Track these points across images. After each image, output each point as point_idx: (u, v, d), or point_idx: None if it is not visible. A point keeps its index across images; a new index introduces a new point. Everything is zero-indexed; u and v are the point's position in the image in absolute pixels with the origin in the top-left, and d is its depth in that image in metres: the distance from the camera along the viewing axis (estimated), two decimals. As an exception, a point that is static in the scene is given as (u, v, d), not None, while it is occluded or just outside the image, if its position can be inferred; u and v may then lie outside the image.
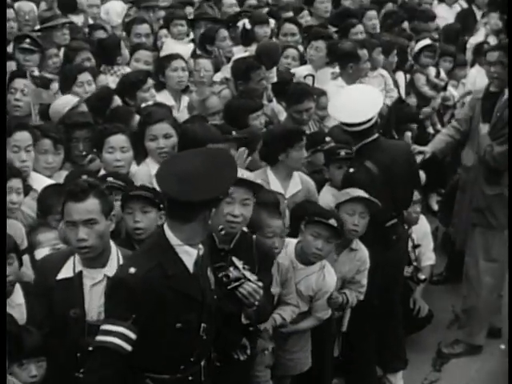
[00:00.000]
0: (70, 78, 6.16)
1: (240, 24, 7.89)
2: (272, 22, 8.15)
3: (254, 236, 4.39)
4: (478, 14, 10.16)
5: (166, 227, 3.63)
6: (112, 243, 3.97)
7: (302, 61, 7.63)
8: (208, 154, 3.78)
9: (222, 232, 4.17)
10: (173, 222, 3.60)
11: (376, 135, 5.59)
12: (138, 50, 7.00)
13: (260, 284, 4.00)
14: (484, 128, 6.40)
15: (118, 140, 5.18)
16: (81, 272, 3.91)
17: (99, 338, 3.53)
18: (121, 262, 3.90)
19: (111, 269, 3.86)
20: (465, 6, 10.37)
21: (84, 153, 5.44)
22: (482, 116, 6.44)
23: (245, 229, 4.37)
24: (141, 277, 3.49)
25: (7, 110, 5.73)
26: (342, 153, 5.74)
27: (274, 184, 5.40)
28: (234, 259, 4.11)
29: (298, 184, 5.50)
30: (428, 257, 6.55)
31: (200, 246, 3.69)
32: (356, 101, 5.63)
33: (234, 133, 5.48)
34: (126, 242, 4.48)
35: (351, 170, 5.48)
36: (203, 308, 3.70)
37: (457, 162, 7.27)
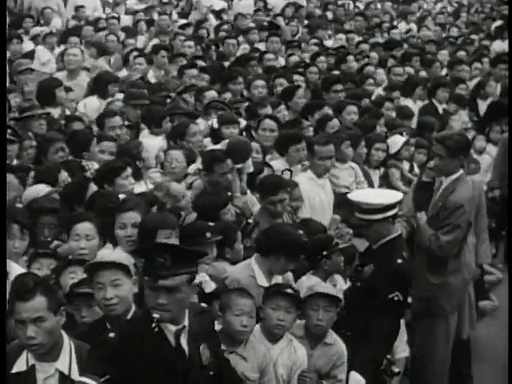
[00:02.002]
0: (50, 179, 6.17)
1: (209, 123, 8.01)
2: (243, 122, 8.28)
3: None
4: (440, 107, 10.37)
5: None
6: (65, 336, 4.01)
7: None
8: None
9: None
10: None
11: (400, 231, 5.88)
12: (102, 141, 7.07)
13: None
14: (422, 217, 6.56)
15: (84, 228, 5.28)
16: (34, 365, 3.93)
17: None
18: (73, 354, 3.97)
19: (63, 362, 3.94)
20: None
21: (49, 239, 5.48)
22: (415, 205, 6.58)
23: None
24: (117, 341, 3.73)
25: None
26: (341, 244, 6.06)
27: (260, 278, 5.47)
28: None
29: (279, 278, 5.58)
30: (402, 349, 6.49)
31: (185, 323, 3.88)
32: (378, 190, 6.28)
33: (208, 234, 5.55)
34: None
35: (399, 260, 5.69)
36: (186, 380, 3.85)
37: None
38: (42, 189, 5.89)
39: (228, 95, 9.23)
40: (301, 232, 5.92)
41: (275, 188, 6.42)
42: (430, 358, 6.66)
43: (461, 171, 6.54)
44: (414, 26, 16.74)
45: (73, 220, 5.35)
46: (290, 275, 5.75)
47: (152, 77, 10.59)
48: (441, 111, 10.26)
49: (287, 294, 5.08)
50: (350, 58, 11.60)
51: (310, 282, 5.78)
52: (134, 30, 13.40)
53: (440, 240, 6.39)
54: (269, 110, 8.61)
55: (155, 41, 12.84)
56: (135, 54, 10.88)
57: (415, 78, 11.12)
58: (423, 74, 11.68)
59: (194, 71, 9.81)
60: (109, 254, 4.96)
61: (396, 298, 5.58)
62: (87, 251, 5.22)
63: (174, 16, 15.65)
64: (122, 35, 12.67)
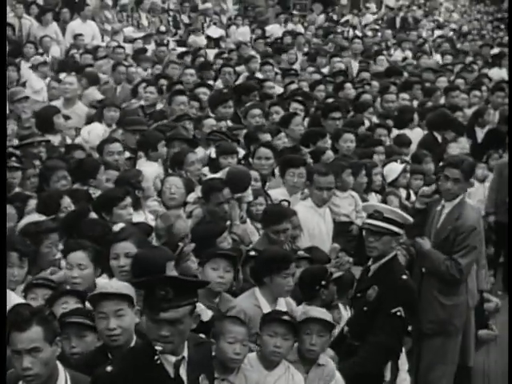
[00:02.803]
0: (52, 205, 6.21)
1: (207, 152, 8.04)
2: (241, 151, 8.27)
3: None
4: (439, 137, 10.26)
5: None
6: (60, 366, 3.99)
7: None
8: None
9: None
10: None
11: (395, 252, 5.93)
12: (108, 169, 7.08)
13: None
14: (426, 243, 6.61)
15: (76, 257, 5.24)
16: None
17: None
18: None
19: None
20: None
21: (57, 257, 5.51)
22: (408, 232, 6.54)
23: None
24: (116, 373, 3.71)
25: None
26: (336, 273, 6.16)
27: (265, 307, 5.47)
28: None
29: (283, 306, 5.58)
30: (403, 378, 6.43)
31: (185, 353, 3.85)
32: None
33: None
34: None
35: (404, 277, 5.81)
36: None
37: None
38: (36, 218, 5.90)
39: (223, 123, 9.23)
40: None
41: (279, 218, 6.44)
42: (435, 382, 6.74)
43: (462, 195, 6.69)
44: (409, 54, 16.82)
45: (67, 249, 5.36)
46: (293, 304, 5.74)
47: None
48: (440, 140, 10.26)
49: (284, 320, 5.08)
50: (348, 85, 11.63)
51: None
52: (140, 58, 13.48)
53: (460, 264, 6.54)
54: (268, 136, 8.60)
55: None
56: (144, 84, 10.89)
57: (409, 107, 11.11)
58: (429, 103, 11.65)
59: (184, 98, 9.70)
60: (111, 283, 4.93)
61: (398, 314, 5.64)
62: (80, 280, 5.19)
63: (172, 44, 15.75)
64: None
